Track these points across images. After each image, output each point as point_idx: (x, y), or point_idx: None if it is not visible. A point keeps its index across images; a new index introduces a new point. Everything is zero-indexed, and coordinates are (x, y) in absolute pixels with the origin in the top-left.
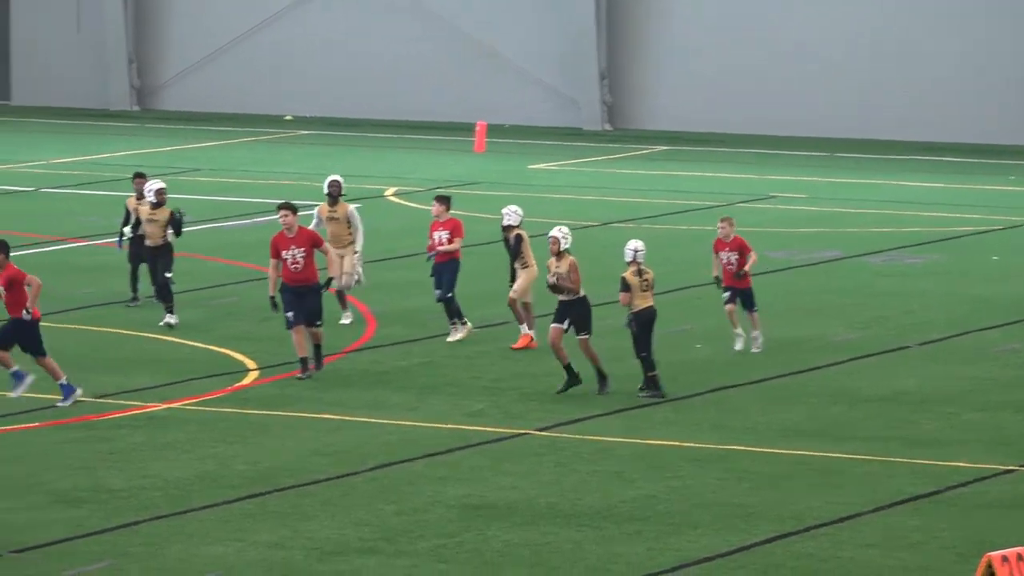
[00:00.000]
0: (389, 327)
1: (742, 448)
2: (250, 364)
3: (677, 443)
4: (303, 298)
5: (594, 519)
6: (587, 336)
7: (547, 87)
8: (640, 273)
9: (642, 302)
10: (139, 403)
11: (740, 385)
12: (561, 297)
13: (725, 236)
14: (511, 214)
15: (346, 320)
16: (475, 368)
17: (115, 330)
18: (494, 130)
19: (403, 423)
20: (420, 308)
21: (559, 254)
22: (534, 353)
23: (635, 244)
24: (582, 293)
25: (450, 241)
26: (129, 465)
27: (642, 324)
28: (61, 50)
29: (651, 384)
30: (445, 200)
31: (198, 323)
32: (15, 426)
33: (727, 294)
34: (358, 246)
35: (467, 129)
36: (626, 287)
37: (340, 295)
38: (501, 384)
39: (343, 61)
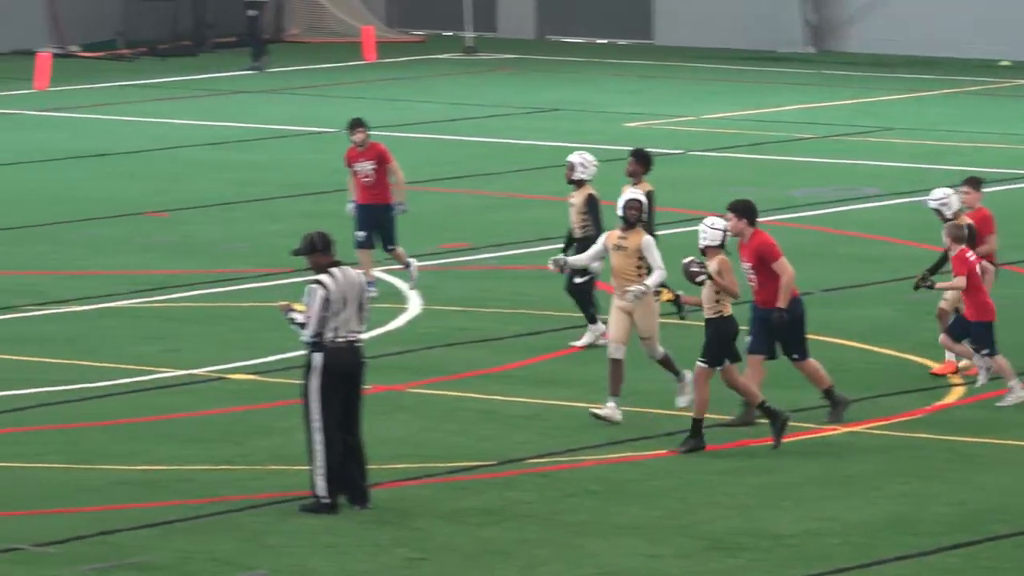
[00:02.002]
0: None
1: None
2: (954, 379)
3: None
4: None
5: None
6: (706, 367)
7: None
8: None
9: None
10: (811, 425)
11: None
12: (706, 313)
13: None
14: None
15: (605, 411)
16: None
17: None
18: None
19: None
20: None
21: (705, 250)
22: None
23: None
24: (730, 311)
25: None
26: (799, 504)
27: None
28: None
29: None
30: (976, 183)
31: (890, 325)
32: (655, 452)
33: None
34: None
35: None
36: None
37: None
38: None
39: None
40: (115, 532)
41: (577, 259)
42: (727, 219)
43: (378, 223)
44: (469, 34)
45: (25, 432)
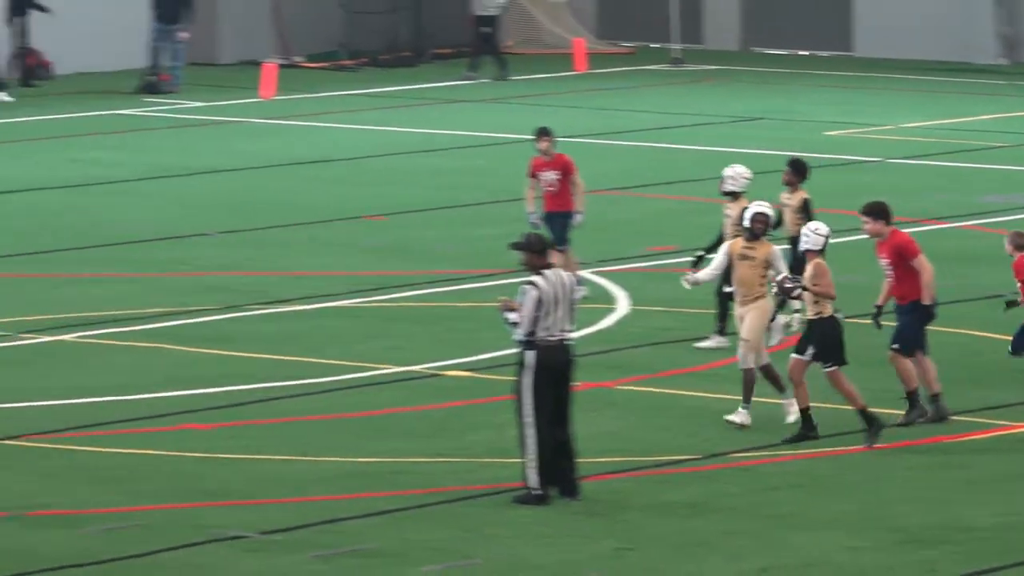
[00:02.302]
0: None
1: None
2: None
3: None
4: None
5: None
6: (834, 368)
7: None
8: None
9: None
10: (1006, 423)
11: None
12: (808, 315)
13: None
14: None
15: (735, 418)
16: None
17: (974, 332)
18: None
19: None
20: None
21: (805, 254)
22: None
23: None
24: (830, 311)
25: None
26: (992, 498)
27: None
28: None
29: None
30: None
31: None
32: (853, 447)
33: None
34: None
35: None
36: None
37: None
38: None
39: None
40: (338, 521)
41: (705, 275)
42: (863, 222)
43: (555, 227)
44: (676, 46)
45: (251, 425)
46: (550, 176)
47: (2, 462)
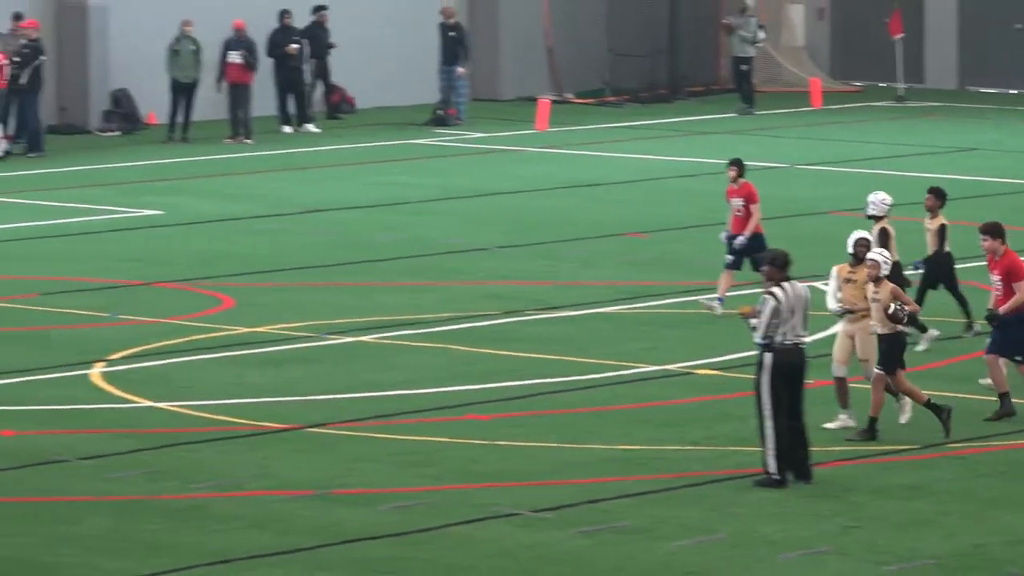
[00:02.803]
0: None
1: None
2: None
3: None
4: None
5: None
6: (882, 372)
7: None
8: None
9: None
10: None
11: None
12: (882, 331)
13: None
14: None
15: (903, 418)
16: None
17: None
18: None
19: None
20: None
21: (877, 280)
22: None
23: None
24: (900, 328)
25: None
26: None
27: None
28: None
29: None
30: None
31: None
32: None
33: None
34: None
35: None
36: None
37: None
38: None
39: None
40: (600, 501)
41: (831, 302)
42: (982, 239)
43: (747, 250)
44: (900, 85)
45: (526, 416)
46: (737, 202)
47: (310, 447)
